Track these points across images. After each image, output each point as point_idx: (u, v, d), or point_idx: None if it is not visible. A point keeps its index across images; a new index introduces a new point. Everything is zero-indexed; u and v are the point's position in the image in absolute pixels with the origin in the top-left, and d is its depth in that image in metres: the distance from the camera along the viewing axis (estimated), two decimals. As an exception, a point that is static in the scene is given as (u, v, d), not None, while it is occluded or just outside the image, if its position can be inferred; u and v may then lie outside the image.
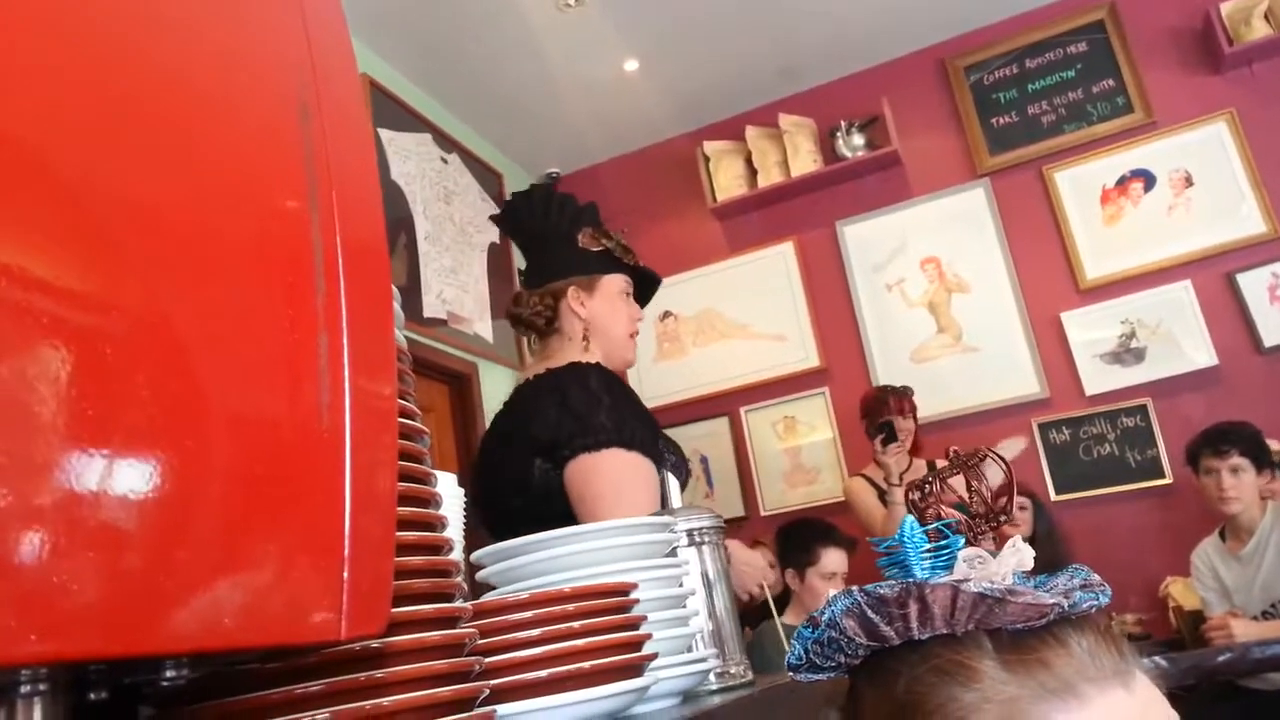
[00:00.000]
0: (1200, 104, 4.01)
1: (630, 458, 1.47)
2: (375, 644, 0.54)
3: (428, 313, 3.70)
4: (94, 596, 0.32)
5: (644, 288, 1.84)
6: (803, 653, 0.61)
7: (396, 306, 0.64)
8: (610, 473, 1.47)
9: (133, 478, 0.34)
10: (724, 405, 4.52)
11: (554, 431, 1.52)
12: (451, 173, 4.15)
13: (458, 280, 3.94)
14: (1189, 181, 3.97)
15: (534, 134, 4.59)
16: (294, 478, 0.40)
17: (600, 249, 1.70)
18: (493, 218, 1.84)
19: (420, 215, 3.80)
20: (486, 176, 4.43)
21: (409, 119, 3.90)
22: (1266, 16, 3.84)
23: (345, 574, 0.41)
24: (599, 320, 1.70)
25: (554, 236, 1.72)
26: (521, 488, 1.55)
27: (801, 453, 4.38)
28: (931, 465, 3.26)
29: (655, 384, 4.64)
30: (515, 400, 1.69)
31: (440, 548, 0.60)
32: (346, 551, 0.42)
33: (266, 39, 0.45)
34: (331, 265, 0.44)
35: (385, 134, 3.69)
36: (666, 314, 4.70)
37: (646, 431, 1.53)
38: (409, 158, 3.83)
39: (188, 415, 0.37)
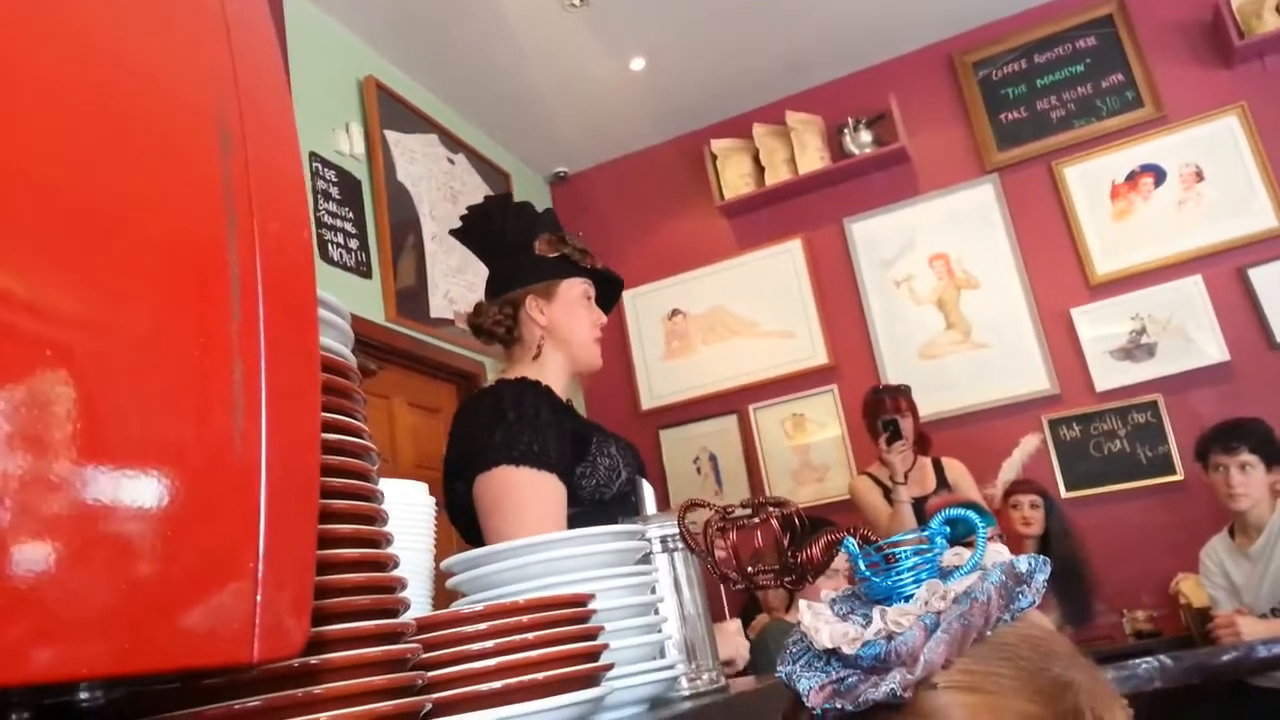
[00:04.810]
0: (1211, 98, 3.96)
1: (519, 474, 1.46)
2: (314, 660, 0.54)
3: (435, 313, 3.71)
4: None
5: (607, 292, 1.81)
6: None
7: (343, 322, 0.65)
8: (495, 491, 1.47)
9: (35, 505, 0.35)
10: (733, 403, 4.52)
11: (457, 454, 1.56)
12: (459, 173, 4.17)
13: (465, 280, 3.95)
14: (1200, 176, 3.93)
15: (541, 133, 4.60)
16: (204, 504, 0.41)
17: (557, 255, 1.68)
18: (452, 232, 1.81)
19: (427, 216, 3.82)
20: (494, 176, 4.44)
21: (416, 120, 3.91)
22: (1278, 9, 3.79)
23: (259, 597, 0.42)
24: (559, 327, 1.69)
25: (511, 246, 1.70)
26: (450, 511, 1.57)
27: (810, 450, 4.38)
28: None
29: (664, 382, 4.64)
30: (453, 420, 1.69)
31: (385, 564, 0.61)
32: (260, 575, 0.42)
33: (183, 60, 0.45)
34: (250, 292, 0.44)
35: (391, 135, 3.71)
36: (675, 312, 4.70)
37: (553, 446, 1.51)
38: (415, 159, 3.84)
39: (91, 443, 0.37)
